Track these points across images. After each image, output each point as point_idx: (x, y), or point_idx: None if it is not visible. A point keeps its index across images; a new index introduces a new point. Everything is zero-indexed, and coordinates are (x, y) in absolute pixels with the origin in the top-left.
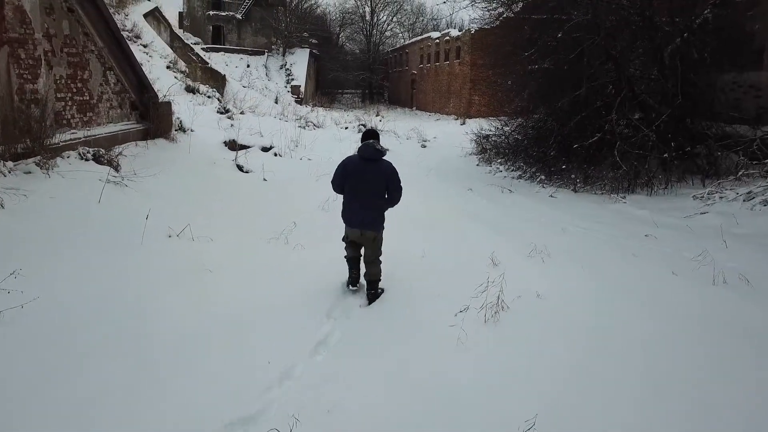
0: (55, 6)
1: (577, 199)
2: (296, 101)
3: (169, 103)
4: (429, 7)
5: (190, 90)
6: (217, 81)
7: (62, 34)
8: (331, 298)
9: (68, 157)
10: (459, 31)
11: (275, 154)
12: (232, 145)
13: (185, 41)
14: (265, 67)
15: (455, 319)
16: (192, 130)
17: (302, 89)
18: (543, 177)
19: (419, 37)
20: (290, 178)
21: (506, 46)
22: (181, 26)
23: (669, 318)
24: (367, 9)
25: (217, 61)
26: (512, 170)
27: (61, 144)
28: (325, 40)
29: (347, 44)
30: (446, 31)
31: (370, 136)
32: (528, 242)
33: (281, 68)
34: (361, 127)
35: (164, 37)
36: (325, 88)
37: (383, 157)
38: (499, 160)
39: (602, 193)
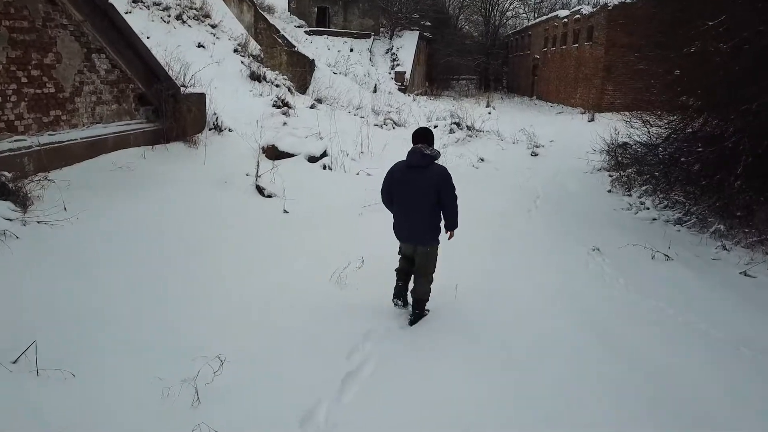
0: None
1: None
2: (399, 89)
3: (200, 96)
4: None
5: (255, 77)
6: (304, 67)
7: None
8: None
9: None
10: (593, 7)
11: (324, 167)
12: (271, 152)
13: (270, 22)
14: (370, 52)
15: None
16: (230, 130)
17: (407, 76)
18: (722, 227)
19: (544, 17)
20: (326, 207)
21: (668, 15)
22: (289, 8)
23: None
24: None
25: (319, 45)
26: (665, 206)
27: None
28: (439, 22)
29: (465, 26)
30: (576, 8)
31: (420, 138)
32: None
33: (387, 53)
34: (453, 126)
35: (247, 18)
36: (437, 74)
37: (436, 161)
38: (643, 187)
39: None
